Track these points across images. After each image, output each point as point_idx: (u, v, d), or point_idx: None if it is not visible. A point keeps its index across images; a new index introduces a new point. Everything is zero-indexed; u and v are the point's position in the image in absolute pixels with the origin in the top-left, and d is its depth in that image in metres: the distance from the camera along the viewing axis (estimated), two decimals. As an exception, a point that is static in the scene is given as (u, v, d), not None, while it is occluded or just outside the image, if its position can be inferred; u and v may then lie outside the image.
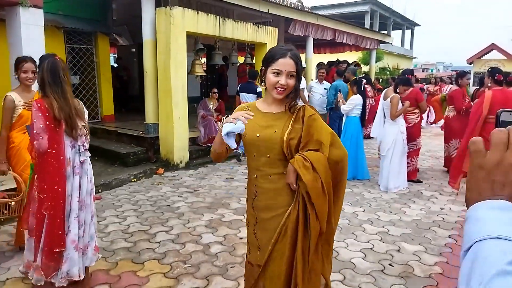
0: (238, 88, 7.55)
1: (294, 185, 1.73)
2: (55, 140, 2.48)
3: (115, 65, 11.83)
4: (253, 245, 1.90)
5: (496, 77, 4.87)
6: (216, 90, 7.79)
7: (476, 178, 0.52)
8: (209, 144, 7.41)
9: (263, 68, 1.82)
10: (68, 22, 6.73)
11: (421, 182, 5.85)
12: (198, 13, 6.58)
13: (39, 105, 2.45)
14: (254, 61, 9.01)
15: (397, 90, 5.15)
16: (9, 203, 3.09)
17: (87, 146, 2.67)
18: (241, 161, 7.18)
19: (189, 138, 6.93)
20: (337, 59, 15.82)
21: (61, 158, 2.50)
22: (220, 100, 7.90)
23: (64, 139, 2.53)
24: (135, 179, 5.86)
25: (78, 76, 7.45)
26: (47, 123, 2.44)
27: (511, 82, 5.01)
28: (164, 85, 6.42)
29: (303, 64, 2.09)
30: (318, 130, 1.77)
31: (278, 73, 1.73)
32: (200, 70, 7.20)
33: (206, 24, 6.74)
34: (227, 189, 5.43)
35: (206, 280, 2.98)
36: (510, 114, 0.54)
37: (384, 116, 5.34)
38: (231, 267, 3.19)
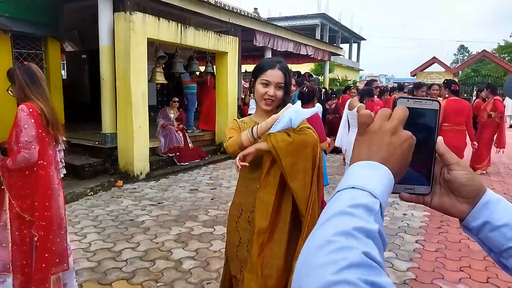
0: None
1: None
2: (45, 150, 2.24)
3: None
4: (246, 262, 1.78)
5: (452, 88, 5.18)
6: (177, 99, 7.60)
7: (359, 143, 0.58)
8: (170, 154, 7.19)
9: (252, 79, 1.84)
10: (16, 26, 6.22)
11: None
12: (159, 19, 6.39)
13: (31, 110, 2.18)
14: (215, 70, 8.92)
15: (363, 101, 5.30)
16: None
17: (64, 163, 2.45)
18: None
19: (149, 148, 6.65)
20: (290, 69, 16.18)
21: (50, 170, 2.27)
22: (181, 109, 7.71)
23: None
24: (92, 193, 5.50)
25: (25, 83, 6.91)
26: (39, 131, 2.19)
27: (456, 91, 5.35)
28: (123, 93, 6.13)
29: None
30: None
31: (266, 84, 1.75)
32: (161, 78, 6.97)
33: (167, 31, 6.56)
34: (192, 201, 5.25)
35: (182, 298, 2.82)
36: (407, 100, 0.60)
37: (349, 125, 5.46)
38: (207, 283, 3.05)
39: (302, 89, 4.02)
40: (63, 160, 2.46)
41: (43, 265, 2.23)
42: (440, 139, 0.62)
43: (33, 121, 2.18)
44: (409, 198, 0.64)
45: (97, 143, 6.54)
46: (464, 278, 3.22)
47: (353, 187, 0.51)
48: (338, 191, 0.53)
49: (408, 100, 0.60)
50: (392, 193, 0.56)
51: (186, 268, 3.29)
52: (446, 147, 0.62)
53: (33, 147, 2.17)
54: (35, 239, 2.21)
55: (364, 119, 0.59)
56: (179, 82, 10.06)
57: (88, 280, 3.04)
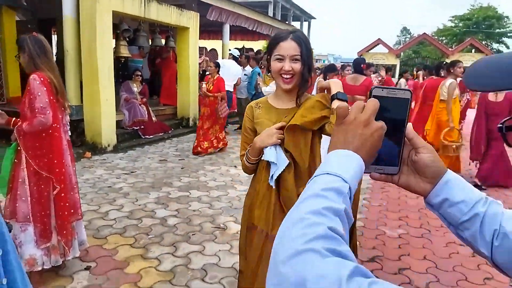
0: None
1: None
2: (56, 114, 2.51)
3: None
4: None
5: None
6: (139, 73, 7.72)
7: (337, 132, 0.64)
8: (135, 127, 7.38)
9: (268, 57, 1.72)
10: (-31, -8, 5.99)
11: None
12: (124, -7, 6.45)
13: (42, 79, 2.41)
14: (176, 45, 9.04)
15: (327, 77, 5.84)
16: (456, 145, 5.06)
17: (69, 125, 2.73)
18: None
19: (115, 121, 6.81)
20: (243, 46, 16.51)
21: (60, 132, 2.56)
22: (144, 83, 7.85)
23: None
24: (63, 163, 5.63)
25: (-20, 53, 6.69)
26: (51, 97, 2.45)
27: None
28: (89, 66, 6.19)
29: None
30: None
31: (281, 59, 1.63)
32: (125, 52, 7.06)
33: (131, 4, 6.64)
34: (164, 170, 5.60)
35: (173, 246, 3.25)
36: (382, 90, 0.65)
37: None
38: (192, 234, 3.50)
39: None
40: (68, 123, 2.74)
41: (65, 213, 2.56)
42: (409, 124, 0.67)
43: (45, 89, 2.43)
44: (379, 177, 0.69)
45: (61, 115, 6.57)
46: (403, 225, 3.96)
47: (327, 173, 0.58)
48: (315, 176, 0.59)
49: (382, 90, 0.65)
50: (364, 172, 0.63)
51: (171, 224, 3.71)
52: (415, 132, 0.68)
53: (48, 112, 2.43)
54: (54, 192, 2.52)
55: (341, 112, 0.64)
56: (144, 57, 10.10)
57: (83, 236, 3.36)
